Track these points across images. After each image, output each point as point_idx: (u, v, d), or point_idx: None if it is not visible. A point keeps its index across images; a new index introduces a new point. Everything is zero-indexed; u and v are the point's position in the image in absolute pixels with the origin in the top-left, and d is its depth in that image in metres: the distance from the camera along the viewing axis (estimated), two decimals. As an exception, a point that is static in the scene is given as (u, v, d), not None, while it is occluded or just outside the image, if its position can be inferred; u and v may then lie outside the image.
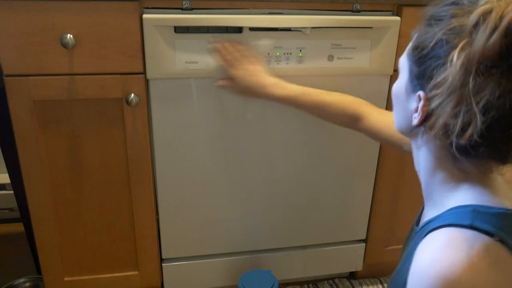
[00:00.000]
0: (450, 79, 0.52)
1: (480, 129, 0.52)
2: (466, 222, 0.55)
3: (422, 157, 0.65)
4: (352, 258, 1.36)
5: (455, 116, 0.53)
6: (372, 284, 1.40)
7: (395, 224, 1.31)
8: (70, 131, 1.02)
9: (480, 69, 0.50)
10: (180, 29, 0.97)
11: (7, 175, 1.21)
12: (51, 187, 1.06)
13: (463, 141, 0.53)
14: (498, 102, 0.50)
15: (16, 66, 0.94)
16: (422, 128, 0.60)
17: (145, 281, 1.21)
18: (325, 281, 1.41)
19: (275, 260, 1.29)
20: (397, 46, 1.09)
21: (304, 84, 1.09)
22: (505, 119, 0.51)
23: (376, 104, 1.15)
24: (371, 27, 1.05)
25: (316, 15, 1.02)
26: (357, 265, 1.37)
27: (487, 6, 0.52)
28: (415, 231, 0.70)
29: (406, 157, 1.22)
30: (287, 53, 1.04)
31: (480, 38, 0.50)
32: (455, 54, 0.52)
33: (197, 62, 1.00)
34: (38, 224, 1.09)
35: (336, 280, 1.42)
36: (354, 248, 1.34)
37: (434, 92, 0.55)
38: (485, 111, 0.51)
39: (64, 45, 0.92)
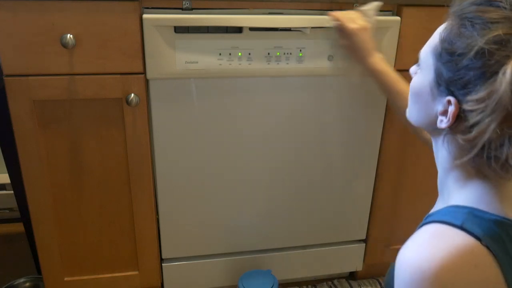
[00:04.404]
0: (498, 95, 0.49)
1: None
2: (457, 222, 0.54)
3: (440, 153, 0.65)
4: (352, 258, 1.36)
5: (501, 133, 0.50)
6: (371, 285, 1.40)
7: (395, 224, 1.31)
8: (70, 131, 1.02)
9: None
10: (180, 29, 0.97)
11: (7, 175, 1.21)
12: (51, 187, 1.06)
13: (506, 157, 0.51)
14: None
15: (16, 66, 0.94)
16: (446, 129, 0.59)
17: (145, 281, 1.21)
18: (324, 282, 1.41)
19: (275, 260, 1.29)
20: (397, 46, 1.09)
21: (305, 84, 1.09)
22: None
23: (378, 104, 1.15)
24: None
25: (316, 15, 1.02)
26: (357, 265, 1.37)
27: None
28: None
29: (406, 157, 1.22)
30: (287, 53, 1.04)
31: None
32: (507, 70, 0.49)
33: (197, 62, 1.00)
34: (38, 224, 1.09)
35: (335, 281, 1.42)
36: (354, 248, 1.34)
37: (474, 105, 0.52)
38: None
39: (64, 45, 0.92)
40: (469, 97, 0.53)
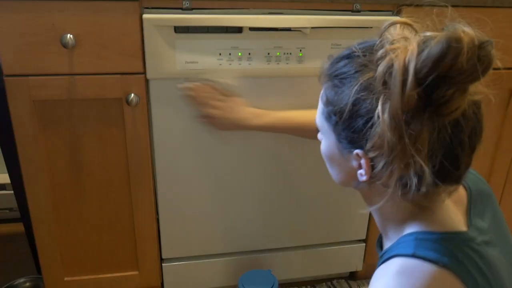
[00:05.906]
0: (384, 138, 0.52)
1: (434, 171, 0.52)
2: (409, 252, 0.55)
3: (373, 202, 0.65)
4: (352, 258, 1.36)
5: (407, 169, 0.52)
6: (372, 285, 1.40)
7: (395, 224, 1.31)
8: (70, 131, 1.02)
9: (408, 119, 0.50)
10: (180, 29, 0.97)
11: (7, 175, 1.21)
12: (51, 187, 1.06)
13: (424, 189, 0.53)
14: (440, 141, 0.51)
15: (16, 66, 0.94)
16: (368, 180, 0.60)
17: (145, 281, 1.21)
18: (324, 283, 1.41)
19: (275, 260, 1.29)
20: (397, 46, 1.09)
21: (305, 84, 1.09)
22: (451, 151, 0.52)
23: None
24: (371, 27, 1.05)
25: (316, 15, 1.02)
26: (357, 265, 1.37)
27: (387, 60, 0.51)
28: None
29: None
30: (287, 53, 1.04)
31: (395, 93, 0.50)
32: (378, 112, 0.52)
33: (197, 62, 1.00)
34: (38, 224, 1.09)
35: (335, 282, 1.42)
36: (354, 248, 1.34)
37: (374, 153, 0.55)
38: (432, 154, 0.52)
39: (64, 45, 0.92)
40: (367, 147, 0.55)
